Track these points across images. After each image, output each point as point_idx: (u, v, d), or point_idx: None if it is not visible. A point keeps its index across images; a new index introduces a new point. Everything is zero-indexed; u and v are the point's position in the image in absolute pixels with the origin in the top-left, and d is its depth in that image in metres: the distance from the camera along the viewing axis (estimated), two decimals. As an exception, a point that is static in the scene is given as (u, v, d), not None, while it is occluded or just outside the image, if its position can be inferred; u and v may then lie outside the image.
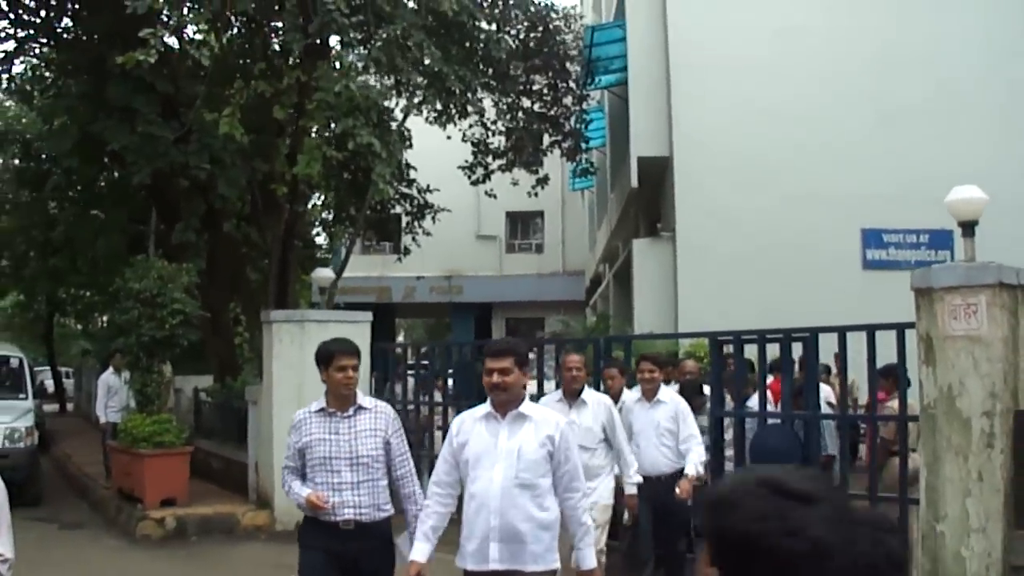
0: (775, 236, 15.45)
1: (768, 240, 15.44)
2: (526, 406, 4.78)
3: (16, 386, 15.41)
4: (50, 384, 29.94)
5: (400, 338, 41.29)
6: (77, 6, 16.37)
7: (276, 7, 13.66)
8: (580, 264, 32.67)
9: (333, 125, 13.71)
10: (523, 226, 34.37)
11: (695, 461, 7.47)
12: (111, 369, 14.92)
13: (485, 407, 4.84)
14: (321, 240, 26.47)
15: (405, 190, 21.59)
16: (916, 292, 6.25)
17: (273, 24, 14.67)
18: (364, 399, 5.20)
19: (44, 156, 18.53)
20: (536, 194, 20.43)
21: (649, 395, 7.75)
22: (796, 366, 8.47)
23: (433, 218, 21.97)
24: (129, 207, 18.41)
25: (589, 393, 7.25)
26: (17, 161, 20.61)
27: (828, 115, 15.77)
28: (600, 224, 26.28)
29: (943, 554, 5.88)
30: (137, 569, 9.99)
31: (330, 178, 17.66)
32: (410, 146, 21.87)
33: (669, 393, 7.85)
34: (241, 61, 16.05)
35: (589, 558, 4.78)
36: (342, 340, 5.29)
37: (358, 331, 12.30)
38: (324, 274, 14.53)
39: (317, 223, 24.49)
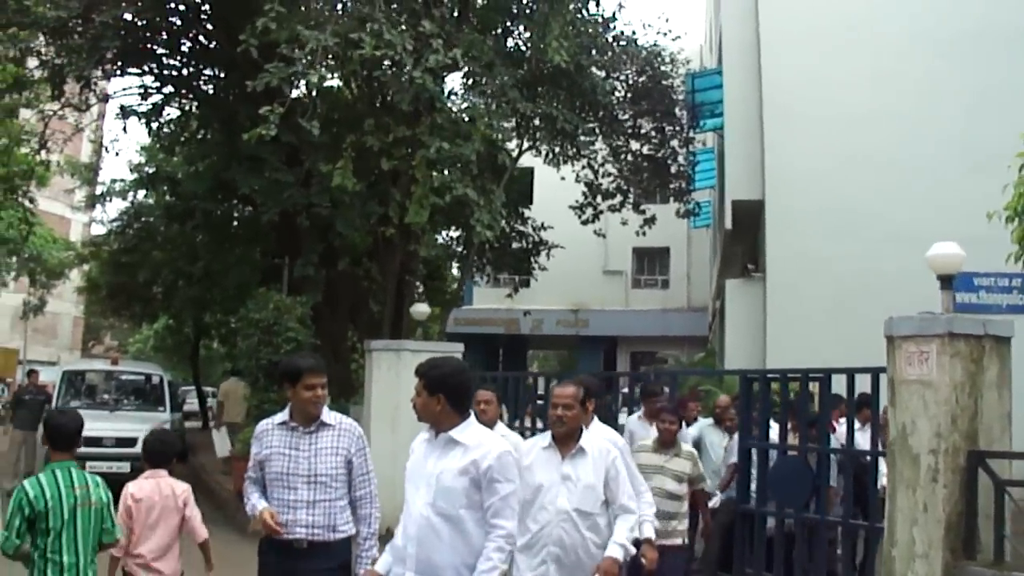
0: (864, 278, 15.76)
1: (856, 282, 15.76)
2: (460, 431, 4.54)
3: (157, 400, 17.83)
4: (195, 403, 32.27)
5: (533, 368, 42.52)
6: (214, 67, 18.35)
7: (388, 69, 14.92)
8: (704, 300, 33.19)
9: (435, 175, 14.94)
10: (649, 262, 35.13)
11: (625, 531, 5.41)
12: None
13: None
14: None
15: (521, 228, 22.91)
16: (886, 339, 6.98)
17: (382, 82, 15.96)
18: (329, 415, 5.10)
19: (190, 194, 20.50)
20: (644, 233, 21.33)
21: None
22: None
23: (548, 254, 23.16)
24: (261, 243, 20.20)
25: (591, 438, 5.52)
26: (167, 197, 22.81)
27: (919, 160, 16.01)
28: (714, 262, 26.91)
29: (894, 576, 6.57)
30: (239, 557, 11.37)
31: (451, 216, 19.00)
32: (530, 188, 23.23)
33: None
34: (357, 105, 17.58)
35: None
36: (310, 357, 5.27)
37: (452, 360, 13.52)
38: (420, 309, 15.88)
39: (452, 258, 25.98)
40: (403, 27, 13.76)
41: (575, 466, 5.31)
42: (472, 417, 4.68)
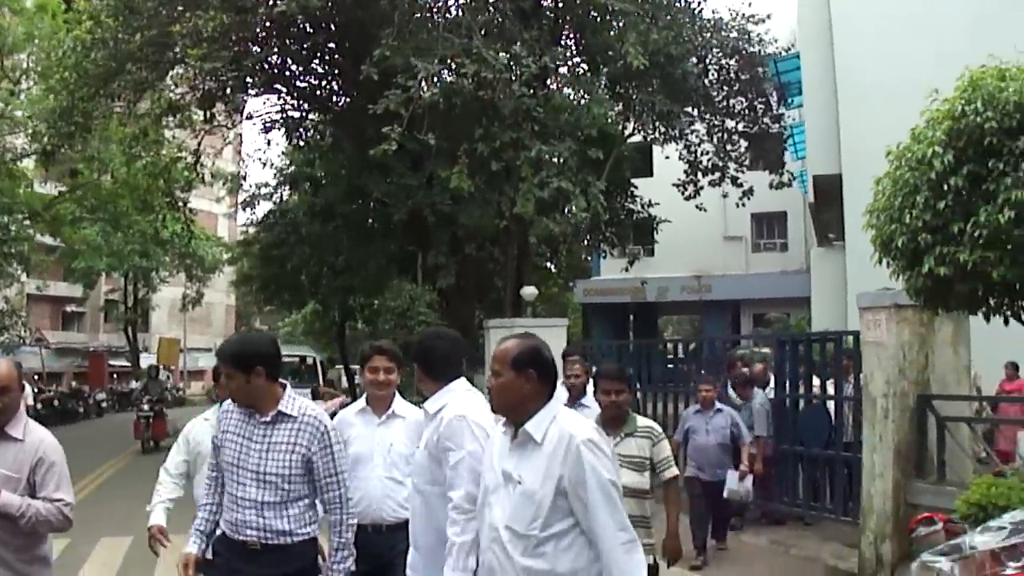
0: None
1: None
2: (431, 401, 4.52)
3: (312, 378, 21.35)
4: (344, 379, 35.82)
5: (667, 335, 44.95)
6: (342, 87, 21.49)
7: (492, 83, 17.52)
8: (823, 260, 34.76)
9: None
10: (768, 226, 36.84)
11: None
12: None
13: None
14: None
15: (630, 205, 25.51)
16: (859, 310, 9.36)
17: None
18: (291, 404, 4.40)
19: (329, 197, 23.68)
20: (744, 204, 23.63)
21: (378, 405, 5.51)
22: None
23: (655, 229, 25.81)
24: (394, 237, 23.19)
25: (561, 416, 3.65)
26: (309, 196, 26.05)
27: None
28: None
29: (864, 493, 8.97)
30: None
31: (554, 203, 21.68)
32: (650, 162, 25.95)
33: (407, 406, 5.55)
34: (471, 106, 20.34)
35: None
36: (224, 345, 4.63)
37: (556, 334, 16.38)
38: (529, 291, 18.64)
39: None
40: (500, 49, 16.45)
41: (520, 460, 3.61)
42: (451, 384, 4.48)
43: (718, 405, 10.40)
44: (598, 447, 3.47)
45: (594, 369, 7.52)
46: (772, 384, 12.30)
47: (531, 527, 3.48)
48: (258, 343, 4.56)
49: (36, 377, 25.88)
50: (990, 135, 6.08)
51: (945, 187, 6.22)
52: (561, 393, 4.77)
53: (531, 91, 16.81)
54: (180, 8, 17.63)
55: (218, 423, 4.59)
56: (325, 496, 4.42)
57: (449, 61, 16.63)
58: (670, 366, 15.59)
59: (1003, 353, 14.06)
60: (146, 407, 21.50)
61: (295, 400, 4.43)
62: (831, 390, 11.25)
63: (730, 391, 12.11)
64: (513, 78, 16.35)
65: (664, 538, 5.76)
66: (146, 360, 46.70)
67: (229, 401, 4.56)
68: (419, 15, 17.79)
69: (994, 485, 7.01)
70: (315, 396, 12.52)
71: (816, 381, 11.65)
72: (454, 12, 18.26)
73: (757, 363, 12.96)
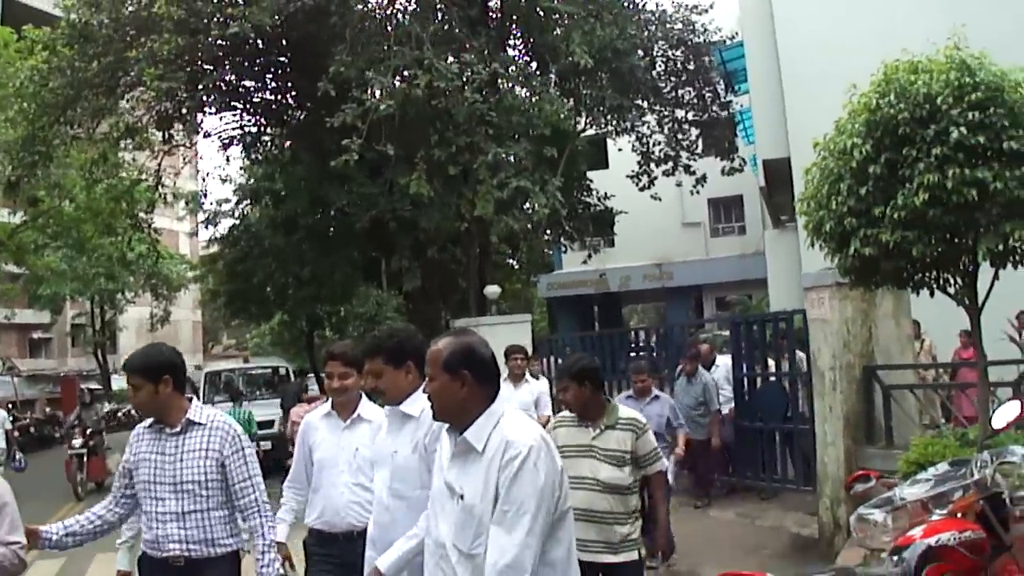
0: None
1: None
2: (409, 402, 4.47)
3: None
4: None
5: (632, 323, 45.56)
6: (298, 100, 21.88)
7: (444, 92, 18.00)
8: (781, 242, 35.41)
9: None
10: (725, 211, 37.50)
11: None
12: None
13: None
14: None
15: (587, 199, 26.12)
16: (803, 289, 9.94)
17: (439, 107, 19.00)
18: (199, 413, 4.56)
19: (291, 209, 24.01)
20: (698, 192, 24.27)
21: (343, 409, 5.39)
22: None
23: (611, 224, 26.45)
24: (358, 245, 23.56)
25: (511, 423, 3.34)
26: (271, 209, 26.31)
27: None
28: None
29: (818, 462, 9.56)
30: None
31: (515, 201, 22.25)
32: (605, 155, 26.52)
33: (374, 409, 5.32)
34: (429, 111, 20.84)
35: None
36: (132, 356, 4.69)
37: (520, 329, 16.88)
38: (492, 290, 19.13)
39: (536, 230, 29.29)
40: (450, 58, 16.97)
41: (462, 471, 3.35)
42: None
43: (655, 392, 9.66)
44: (532, 458, 3.15)
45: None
46: (718, 363, 12.84)
47: (474, 546, 3.20)
48: (165, 353, 4.63)
49: (11, 406, 25.96)
50: (903, 125, 6.64)
51: (866, 174, 6.77)
52: (505, 391, 4.06)
53: (483, 95, 17.29)
54: (134, 33, 17.93)
55: (129, 449, 4.66)
56: (241, 502, 4.53)
57: (403, 71, 17.09)
58: (632, 354, 16.14)
59: (957, 323, 14.70)
60: (77, 443, 17.71)
61: (203, 409, 4.60)
62: (783, 367, 11.92)
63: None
64: (464, 82, 16.88)
65: (656, 534, 5.79)
66: (117, 382, 46.78)
67: (139, 426, 4.68)
68: (369, 23, 18.23)
69: (931, 444, 7.61)
70: (299, 400, 13.32)
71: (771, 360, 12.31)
72: (402, 19, 18.66)
73: (702, 345, 13.40)
